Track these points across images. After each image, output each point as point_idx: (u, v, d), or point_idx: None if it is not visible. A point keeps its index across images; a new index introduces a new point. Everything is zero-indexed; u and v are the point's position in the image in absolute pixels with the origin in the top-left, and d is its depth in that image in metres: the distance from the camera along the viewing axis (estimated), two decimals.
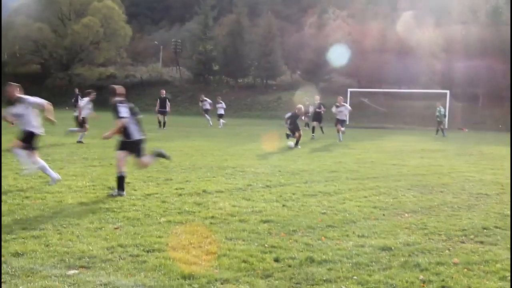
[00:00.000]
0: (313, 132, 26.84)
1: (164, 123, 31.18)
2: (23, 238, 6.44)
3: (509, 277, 5.66)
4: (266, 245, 6.54)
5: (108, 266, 5.59)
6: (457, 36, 56.16)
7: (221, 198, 9.63)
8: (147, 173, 12.35)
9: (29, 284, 4.98)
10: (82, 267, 5.55)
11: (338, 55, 60.07)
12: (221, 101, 39.01)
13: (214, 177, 12.29)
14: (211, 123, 36.35)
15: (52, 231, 6.84)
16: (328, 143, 23.54)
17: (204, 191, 10.26)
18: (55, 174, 10.65)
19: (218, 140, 24.13)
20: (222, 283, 5.25)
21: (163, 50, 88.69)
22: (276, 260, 6.00)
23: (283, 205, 9.07)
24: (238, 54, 71.27)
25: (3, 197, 8.89)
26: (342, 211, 8.68)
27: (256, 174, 12.92)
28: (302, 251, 6.34)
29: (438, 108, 35.74)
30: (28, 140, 10.33)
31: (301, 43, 73.33)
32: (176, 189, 10.40)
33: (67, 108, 40.45)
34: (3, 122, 11.22)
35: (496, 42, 52.55)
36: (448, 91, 48.83)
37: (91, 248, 6.15)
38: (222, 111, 38.40)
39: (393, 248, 6.58)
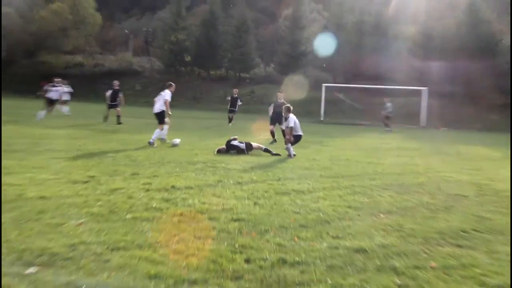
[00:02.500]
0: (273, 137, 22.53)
1: (118, 117, 28.81)
2: None
3: (486, 282, 5.65)
4: (236, 245, 6.44)
5: (70, 264, 5.44)
6: (435, 32, 56.70)
7: (190, 194, 9.50)
8: (113, 167, 12.16)
9: None
10: (42, 265, 5.39)
11: (325, 44, 60.13)
12: (62, 85, 33.32)
13: (183, 172, 12.16)
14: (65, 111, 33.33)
15: (10, 226, 6.65)
16: (302, 140, 23.49)
17: (172, 187, 10.12)
18: None
19: (188, 134, 23.97)
20: (190, 284, 5.14)
21: (133, 39, 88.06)
22: (247, 261, 5.91)
23: (255, 203, 8.97)
24: (211, 45, 71.29)
25: None
26: (316, 211, 8.61)
27: (227, 170, 12.82)
28: (274, 252, 6.25)
29: (388, 104, 36.55)
30: None
31: (276, 36, 73.47)
32: (144, 184, 10.25)
33: (38, 93, 39.58)
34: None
35: (473, 40, 53.17)
36: (426, 88, 49.22)
37: (52, 245, 5.98)
38: (67, 97, 34.38)
39: (368, 250, 6.52)
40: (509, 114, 46.58)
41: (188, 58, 76.21)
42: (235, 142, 17.10)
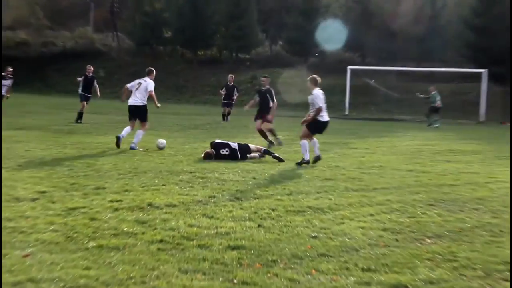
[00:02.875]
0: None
1: (80, 114, 29.23)
2: None
3: None
4: (235, 281, 6.48)
5: None
6: None
7: (173, 214, 9.55)
8: (70, 179, 12.22)
9: None
10: None
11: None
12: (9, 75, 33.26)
13: (163, 185, 12.22)
14: None
15: None
16: (319, 140, 23.55)
17: (149, 204, 10.17)
18: None
19: (169, 135, 24.04)
20: None
21: (94, 9, 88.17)
22: None
23: (259, 225, 9.01)
24: (198, 17, 70.95)
25: None
26: (340, 235, 8.65)
27: (222, 182, 12.87)
28: None
29: (433, 93, 37.13)
30: None
31: (285, 3, 73.48)
32: (111, 201, 10.30)
33: None
34: None
35: None
36: (485, 70, 48.98)
37: None
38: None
39: (410, 287, 6.56)
40: None
41: (167, 34, 76.23)
42: (221, 141, 17.28)
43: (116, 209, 9.72)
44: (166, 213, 9.64)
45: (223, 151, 16.83)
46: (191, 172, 14.00)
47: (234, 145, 17.11)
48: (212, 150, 16.91)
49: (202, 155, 16.75)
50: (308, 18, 67.86)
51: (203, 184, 12.53)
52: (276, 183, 12.99)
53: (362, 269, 7.09)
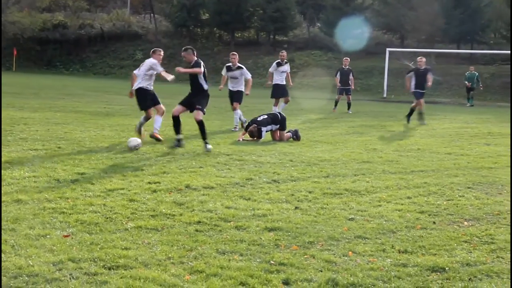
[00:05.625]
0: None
1: None
2: None
3: None
4: (272, 262, 6.54)
5: None
6: None
7: (210, 196, 9.64)
8: (109, 161, 12.36)
9: None
10: None
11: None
12: None
13: (201, 167, 12.30)
14: None
15: None
16: (357, 123, 23.51)
17: (187, 186, 10.27)
18: None
19: (206, 117, 24.05)
20: None
21: None
22: (286, 283, 6.00)
23: (296, 208, 9.07)
24: None
25: None
26: (377, 217, 8.69)
27: (259, 164, 12.93)
28: (321, 271, 6.34)
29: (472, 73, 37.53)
30: None
31: None
32: (149, 183, 10.41)
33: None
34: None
35: None
36: None
37: (31, 263, 6.14)
38: None
39: (447, 269, 6.57)
40: None
41: (205, 16, 76.15)
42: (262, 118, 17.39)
43: (154, 191, 9.83)
44: (203, 195, 9.73)
45: (265, 130, 16.99)
46: (228, 155, 14.07)
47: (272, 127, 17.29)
48: (254, 125, 16.94)
49: (241, 137, 16.89)
50: (346, 0, 67.49)
51: (240, 167, 12.60)
52: (313, 166, 13.01)
53: (399, 251, 7.13)
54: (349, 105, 29.46)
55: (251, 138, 16.79)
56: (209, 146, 14.56)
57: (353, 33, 62.94)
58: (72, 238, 7.08)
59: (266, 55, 66.49)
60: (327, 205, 9.34)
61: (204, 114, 14.89)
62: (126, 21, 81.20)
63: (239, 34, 76.16)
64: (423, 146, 17.25)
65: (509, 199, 10.38)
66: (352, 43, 59.42)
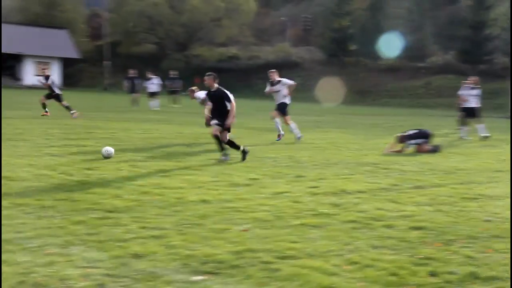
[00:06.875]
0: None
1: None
2: (143, 238, 6.68)
3: None
4: (418, 256, 6.41)
5: (237, 273, 5.68)
6: None
7: (362, 199, 9.57)
8: (276, 169, 12.49)
9: None
10: (208, 273, 5.67)
11: None
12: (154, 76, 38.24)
13: (352, 174, 12.25)
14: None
15: (173, 231, 7.05)
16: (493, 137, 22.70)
17: (342, 190, 10.24)
18: None
19: (353, 132, 24.07)
20: None
21: (291, 27, 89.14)
22: (433, 274, 5.86)
23: (438, 210, 8.86)
24: (379, 32, 70.41)
25: (118, 191, 9.31)
26: None
27: (403, 172, 12.74)
28: (463, 265, 6.15)
29: None
30: None
31: (456, 18, 71.37)
32: (310, 187, 10.45)
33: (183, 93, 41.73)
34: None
35: None
36: None
37: (217, 252, 6.28)
38: (155, 88, 37.68)
39: None
40: None
41: (353, 47, 76.03)
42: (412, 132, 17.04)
43: (314, 194, 9.85)
44: (356, 198, 9.67)
45: (410, 144, 16.67)
46: (375, 164, 13.93)
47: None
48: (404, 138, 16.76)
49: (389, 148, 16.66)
50: (477, 31, 65.75)
51: (386, 174, 12.45)
52: (451, 174, 12.70)
53: None
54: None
55: (397, 150, 16.49)
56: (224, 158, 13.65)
57: (483, 59, 61.16)
58: (248, 232, 7.20)
59: (405, 80, 65.59)
60: (465, 208, 9.07)
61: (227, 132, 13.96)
62: (286, 53, 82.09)
63: (383, 62, 75.46)
64: None
65: None
66: (481, 68, 57.70)
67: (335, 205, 8.97)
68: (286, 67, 72.18)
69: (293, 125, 19.29)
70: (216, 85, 13.78)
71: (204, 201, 8.90)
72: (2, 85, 25.67)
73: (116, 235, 6.76)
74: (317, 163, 13.84)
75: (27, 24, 78.93)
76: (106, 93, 65.50)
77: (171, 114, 30.62)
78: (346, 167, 13.28)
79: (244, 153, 13.68)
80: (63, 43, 76.93)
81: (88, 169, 11.47)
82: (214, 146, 14.08)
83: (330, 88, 58.21)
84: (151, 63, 70.20)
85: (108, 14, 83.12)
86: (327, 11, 77.13)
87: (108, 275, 5.47)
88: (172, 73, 41.89)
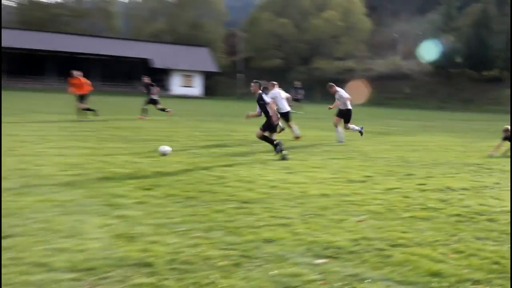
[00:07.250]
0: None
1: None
2: (272, 226, 6.79)
3: None
4: None
5: (354, 258, 5.68)
6: None
7: (466, 195, 9.29)
8: (388, 168, 12.34)
9: (280, 269, 5.25)
10: (329, 257, 5.69)
11: None
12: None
13: (457, 173, 11.90)
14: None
15: (298, 220, 7.12)
16: None
17: (447, 187, 9.98)
18: None
19: (459, 135, 23.36)
20: (473, 284, 5.07)
21: (402, 42, 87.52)
22: None
23: None
24: (483, 46, 67.95)
25: (251, 185, 9.48)
26: None
27: (504, 172, 12.26)
28: None
29: None
30: None
31: None
32: (418, 184, 10.24)
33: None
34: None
35: None
36: None
37: (336, 239, 6.28)
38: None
39: None
40: None
41: (458, 60, 73.74)
42: None
43: (422, 190, 9.65)
44: (460, 194, 9.39)
45: None
46: (478, 164, 13.47)
47: None
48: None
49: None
50: None
51: (489, 174, 12.01)
52: None
53: None
54: None
55: (501, 153, 15.79)
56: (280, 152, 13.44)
57: None
58: (364, 222, 7.16)
59: (507, 88, 62.82)
60: None
61: (262, 131, 13.75)
62: (397, 65, 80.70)
63: (486, 73, 72.60)
64: None
65: None
66: None
67: (442, 201, 8.76)
68: (397, 78, 71.19)
69: (340, 129, 18.42)
70: (259, 91, 13.73)
71: (324, 195, 8.91)
72: (151, 94, 26.70)
73: (249, 223, 6.90)
74: (426, 163, 13.54)
75: (174, 43, 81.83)
76: (239, 101, 66.71)
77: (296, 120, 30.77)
78: (452, 167, 12.92)
79: (277, 145, 13.53)
80: (204, 59, 79.19)
81: (226, 165, 11.76)
82: (332, 147, 14.06)
83: (438, 96, 56.72)
84: (278, 75, 70.86)
85: (243, 33, 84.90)
86: (436, 27, 75.07)
87: (243, 256, 5.61)
88: (297, 83, 42.28)
